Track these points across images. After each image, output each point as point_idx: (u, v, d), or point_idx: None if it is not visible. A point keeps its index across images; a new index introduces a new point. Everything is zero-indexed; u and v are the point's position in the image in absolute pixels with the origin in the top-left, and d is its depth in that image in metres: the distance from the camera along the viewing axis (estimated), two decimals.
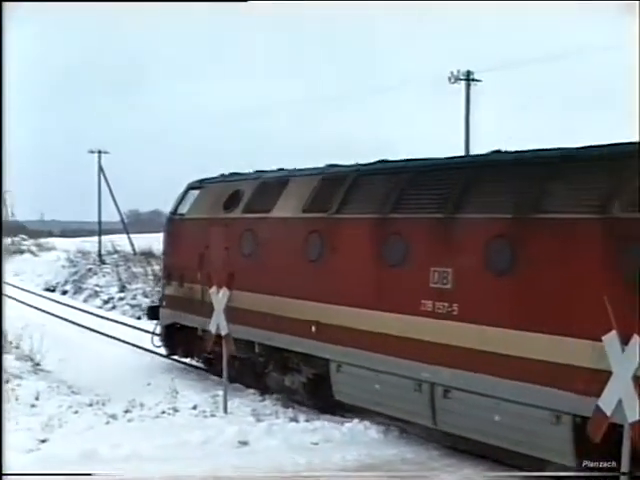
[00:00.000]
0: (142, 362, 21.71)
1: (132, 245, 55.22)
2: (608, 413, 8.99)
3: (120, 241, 57.54)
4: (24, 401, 14.26)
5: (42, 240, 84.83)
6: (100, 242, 57.82)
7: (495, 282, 11.53)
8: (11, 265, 68.07)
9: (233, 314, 15.63)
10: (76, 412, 14.04)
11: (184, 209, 20.37)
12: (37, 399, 14.59)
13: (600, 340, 9.20)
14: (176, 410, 14.55)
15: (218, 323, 15.25)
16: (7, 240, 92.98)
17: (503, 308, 11.43)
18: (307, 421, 14.25)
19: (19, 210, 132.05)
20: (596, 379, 9.40)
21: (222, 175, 19.92)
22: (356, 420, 13.92)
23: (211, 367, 18.96)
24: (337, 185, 14.98)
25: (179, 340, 20.09)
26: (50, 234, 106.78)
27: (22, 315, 28.33)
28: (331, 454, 12.26)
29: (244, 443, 12.70)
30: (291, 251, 15.64)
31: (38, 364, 18.14)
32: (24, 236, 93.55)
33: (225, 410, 14.75)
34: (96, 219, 65.20)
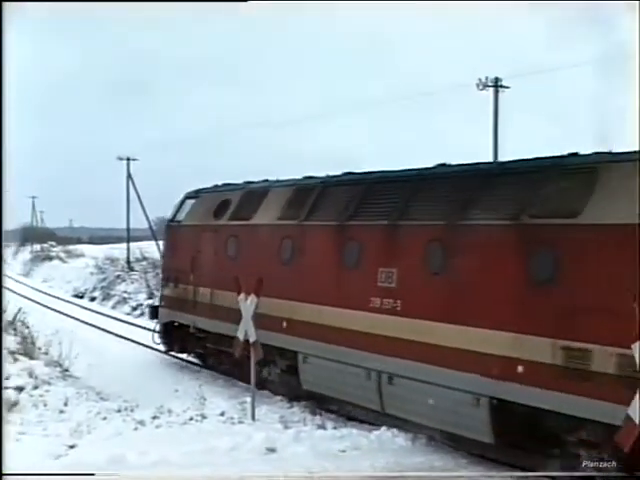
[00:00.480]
0: (170, 369, 21.80)
1: (160, 252, 55.28)
2: (637, 421, 9.18)
3: (148, 248, 57.68)
4: (53, 407, 14.29)
5: (71, 247, 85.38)
6: (128, 249, 58.00)
7: (430, 281, 13.28)
8: (40, 271, 68.76)
9: (218, 312, 18.73)
10: (104, 418, 14.05)
11: (181, 217, 22.68)
12: (66, 405, 14.60)
13: (509, 331, 11.48)
14: (204, 417, 14.54)
15: (246, 330, 15.24)
16: (37, 246, 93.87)
17: (437, 304, 13.01)
18: (335, 428, 14.21)
19: (48, 217, 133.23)
20: (509, 365, 11.45)
21: (215, 185, 22.14)
22: (384, 428, 13.85)
23: (205, 363, 21.34)
24: (307, 195, 17.03)
25: (175, 337, 22.09)
26: (79, 241, 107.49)
27: (51, 321, 28.54)
28: (359, 461, 12.20)
29: (272, 450, 12.66)
30: (268, 255, 17.52)
31: (67, 370, 18.21)
32: (53, 243, 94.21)
33: (253, 417, 14.73)
34: (124, 226, 65.31)
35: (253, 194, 19.36)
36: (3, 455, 10.57)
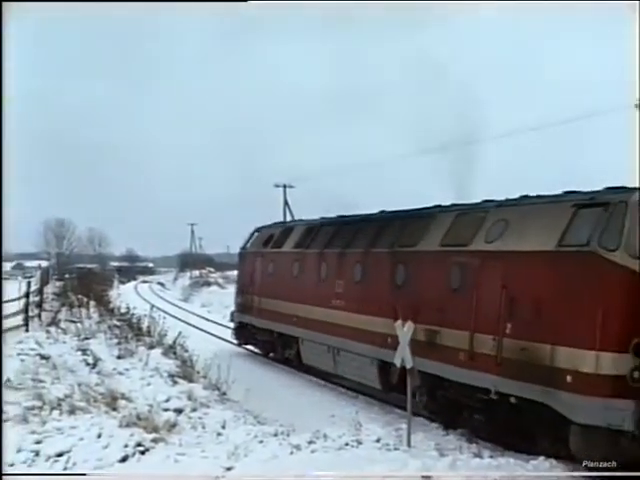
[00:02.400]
0: (328, 395, 21.90)
1: None
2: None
3: None
4: (211, 429, 14.47)
5: (228, 272, 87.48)
6: None
7: (355, 288, 21.58)
8: (199, 297, 70.66)
9: (262, 313, 28.70)
10: (261, 441, 14.07)
11: (247, 246, 32.55)
12: (223, 428, 14.76)
13: (383, 317, 18.55)
14: (359, 442, 14.37)
15: (403, 356, 15.07)
16: (195, 272, 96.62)
17: (357, 302, 21.18)
18: (491, 457, 13.82)
19: (207, 243, 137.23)
20: (384, 339, 18.36)
21: (274, 223, 32.69)
22: (542, 458, 13.39)
23: (266, 353, 29.97)
24: (310, 232, 26.01)
25: (243, 333, 31.41)
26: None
27: (209, 346, 29.17)
28: None
29: (427, 478, 12.39)
30: (286, 272, 26.80)
31: (224, 393, 18.49)
32: (211, 269, 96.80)
33: (408, 444, 14.50)
34: None
35: (285, 230, 28.85)
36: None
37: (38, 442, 12.08)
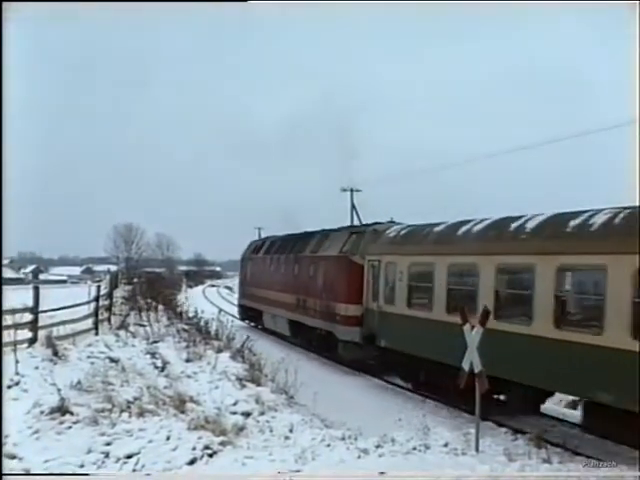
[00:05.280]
0: (395, 399, 21.80)
1: None
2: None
3: None
4: (278, 433, 14.46)
5: None
6: None
7: (281, 277, 37.94)
8: None
9: (253, 298, 44.73)
10: (328, 445, 14.02)
11: (246, 254, 49.78)
12: (291, 431, 14.75)
13: (292, 294, 35.19)
14: (427, 447, 14.24)
15: (471, 360, 14.91)
16: None
17: (290, 287, 35.41)
18: (560, 463, 13.63)
19: None
20: (290, 306, 35.31)
21: (261, 238, 52.83)
22: (612, 463, 13.10)
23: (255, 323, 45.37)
24: (274, 243, 42.56)
25: (243, 312, 48.10)
26: None
27: (276, 350, 29.26)
28: None
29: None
30: (258, 270, 44.34)
31: (292, 397, 18.50)
32: None
33: (477, 448, 14.36)
34: None
35: (262, 243, 46.41)
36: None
37: (108, 444, 12.22)
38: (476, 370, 14.83)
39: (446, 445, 14.55)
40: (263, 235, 58.83)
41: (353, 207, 65.60)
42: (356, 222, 64.05)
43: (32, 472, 10.99)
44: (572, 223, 16.68)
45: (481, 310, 15.67)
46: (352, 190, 65.53)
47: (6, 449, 11.41)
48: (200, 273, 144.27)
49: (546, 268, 16.71)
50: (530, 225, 18.13)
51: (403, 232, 25.22)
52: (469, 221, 21.16)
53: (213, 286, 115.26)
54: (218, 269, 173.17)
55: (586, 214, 16.57)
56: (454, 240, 21.10)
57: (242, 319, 47.16)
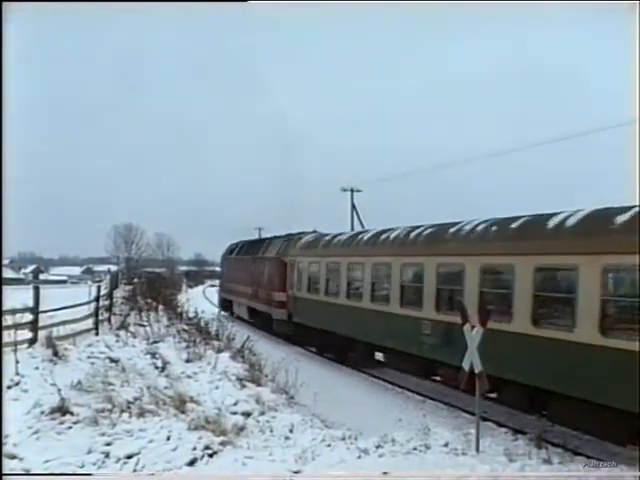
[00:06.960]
0: (395, 399, 21.81)
1: None
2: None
3: None
4: (279, 433, 14.46)
5: None
6: None
7: (244, 273, 47.25)
8: None
9: (230, 291, 54.46)
10: (329, 445, 14.02)
11: (224, 255, 59.60)
12: (291, 431, 14.74)
13: (249, 286, 45.65)
14: (427, 447, 14.24)
15: (472, 360, 14.91)
16: None
17: (250, 282, 44.50)
18: (560, 463, 13.63)
19: None
20: (250, 295, 45.41)
21: (238, 241, 56.62)
22: (612, 463, 13.11)
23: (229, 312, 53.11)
24: (244, 246, 51.94)
25: (222, 304, 56.61)
26: None
27: (276, 351, 29.24)
28: None
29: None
30: (237, 269, 51.40)
31: (292, 397, 18.49)
32: None
33: (477, 449, 14.35)
34: None
35: (236, 245, 54.71)
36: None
37: (108, 444, 12.22)
38: (476, 370, 14.82)
39: (446, 445, 14.54)
40: (263, 235, 68.81)
41: (353, 207, 65.77)
42: (356, 222, 64.76)
43: (32, 472, 10.98)
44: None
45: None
46: (352, 190, 65.60)
47: (6, 449, 11.41)
48: (200, 273, 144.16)
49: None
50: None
51: (308, 240, 35.44)
52: (361, 232, 30.79)
53: (213, 286, 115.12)
54: (218, 269, 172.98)
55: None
56: (332, 246, 30.85)
57: (222, 309, 54.59)
